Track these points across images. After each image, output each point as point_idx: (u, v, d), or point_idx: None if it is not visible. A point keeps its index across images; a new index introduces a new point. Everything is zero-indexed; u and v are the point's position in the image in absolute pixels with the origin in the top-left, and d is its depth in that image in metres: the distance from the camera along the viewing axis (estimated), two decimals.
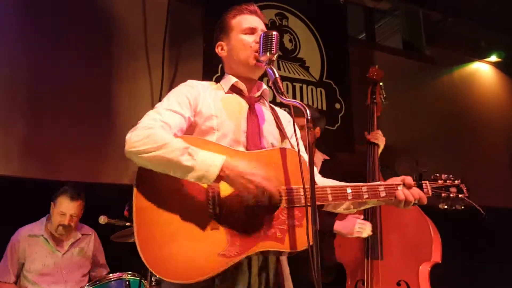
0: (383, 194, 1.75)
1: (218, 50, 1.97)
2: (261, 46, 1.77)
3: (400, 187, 1.76)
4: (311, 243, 1.50)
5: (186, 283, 1.55)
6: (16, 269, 3.23)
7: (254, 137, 1.79)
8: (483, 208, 1.99)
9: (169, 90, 4.18)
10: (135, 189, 1.62)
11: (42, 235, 3.29)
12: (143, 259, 1.55)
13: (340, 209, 1.89)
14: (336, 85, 4.88)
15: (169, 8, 4.29)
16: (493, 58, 6.28)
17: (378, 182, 1.80)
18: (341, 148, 4.59)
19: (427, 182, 1.83)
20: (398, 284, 2.96)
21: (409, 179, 1.78)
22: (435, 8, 5.86)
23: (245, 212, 1.61)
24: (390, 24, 6.20)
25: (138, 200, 1.60)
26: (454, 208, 1.86)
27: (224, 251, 1.56)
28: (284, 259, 1.83)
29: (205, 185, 1.63)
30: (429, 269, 2.96)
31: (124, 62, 4.10)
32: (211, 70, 4.06)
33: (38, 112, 3.74)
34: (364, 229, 2.92)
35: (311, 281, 1.45)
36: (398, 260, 3.00)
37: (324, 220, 2.97)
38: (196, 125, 1.79)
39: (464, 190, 1.86)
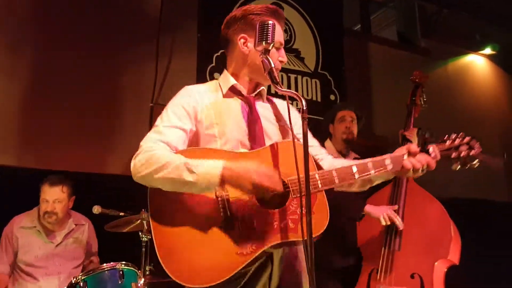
0: (390, 166, 1.75)
1: (239, 42, 1.87)
2: (257, 36, 1.75)
3: (405, 156, 1.76)
4: (305, 237, 1.51)
5: (212, 286, 1.59)
6: (11, 259, 3.22)
7: (256, 137, 1.80)
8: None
9: (164, 79, 4.21)
10: (150, 208, 1.68)
11: (35, 227, 3.27)
12: (168, 272, 1.61)
13: (354, 188, 1.91)
14: (331, 76, 4.87)
15: None
16: (488, 50, 6.29)
17: (384, 156, 1.79)
18: None
19: (434, 145, 1.82)
20: (412, 276, 3.00)
21: (413, 147, 1.77)
22: (430, 0, 5.86)
23: (255, 210, 1.65)
24: (385, 15, 6.19)
25: (154, 217, 1.67)
26: (468, 166, 1.85)
27: (242, 250, 1.61)
28: (302, 250, 1.83)
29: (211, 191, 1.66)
30: (446, 269, 2.99)
31: (119, 53, 4.07)
32: (206, 60, 4.04)
33: (36, 102, 3.72)
34: (387, 221, 3.01)
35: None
36: (415, 253, 3.04)
37: (353, 205, 3.09)
38: (200, 133, 1.81)
39: (476, 146, 1.84)
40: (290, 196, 1.66)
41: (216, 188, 1.61)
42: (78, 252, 3.38)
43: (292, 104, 1.89)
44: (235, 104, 1.87)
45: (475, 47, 6.30)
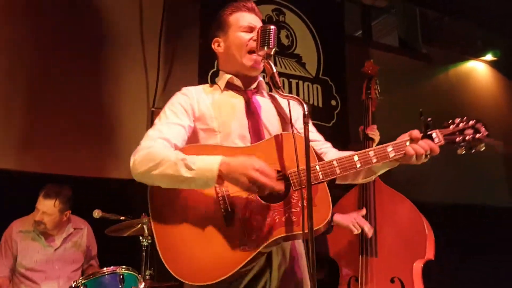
0: (392, 154, 1.70)
1: (214, 46, 1.96)
2: (259, 41, 1.76)
3: (408, 143, 1.72)
4: (305, 230, 1.50)
5: (215, 283, 1.59)
6: (11, 263, 3.21)
7: (256, 131, 1.80)
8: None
9: (165, 85, 4.22)
10: (150, 207, 1.68)
11: (34, 231, 3.27)
12: (170, 270, 1.61)
13: (359, 179, 1.88)
14: (332, 82, 4.88)
15: (165, 3, 4.27)
16: (489, 57, 6.30)
17: (387, 143, 1.74)
18: (336, 145, 4.57)
19: (436, 130, 1.76)
20: (392, 281, 2.97)
21: (415, 132, 1.73)
22: (432, 7, 5.87)
23: (256, 204, 1.64)
24: (387, 22, 6.20)
25: (154, 216, 1.68)
26: (474, 150, 1.79)
27: (244, 245, 1.60)
28: (302, 254, 1.84)
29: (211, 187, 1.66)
30: (422, 265, 2.97)
31: (121, 57, 4.09)
32: (207, 65, 4.05)
33: (37, 106, 3.73)
34: (358, 229, 2.91)
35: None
36: (392, 257, 3.00)
37: None
38: (199, 130, 1.82)
39: (482, 130, 1.78)
40: (291, 189, 1.65)
41: (215, 183, 1.59)
42: (77, 256, 3.37)
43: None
44: (234, 98, 1.89)
45: (476, 53, 6.30)
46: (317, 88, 4.77)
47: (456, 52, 6.18)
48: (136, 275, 2.91)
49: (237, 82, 1.91)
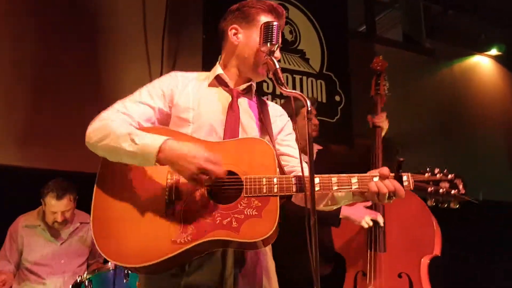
0: (355, 186, 1.61)
1: (230, 32, 1.87)
2: (262, 37, 1.74)
3: (375, 178, 1.60)
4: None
5: (136, 267, 1.55)
6: (16, 258, 3.23)
7: (231, 130, 1.75)
8: (481, 202, 1.89)
9: None
10: (97, 175, 1.67)
11: (40, 225, 3.29)
12: (95, 241, 1.58)
13: (321, 206, 1.79)
14: (336, 78, 4.86)
15: None
16: (494, 51, 6.27)
17: (353, 174, 1.64)
18: (340, 141, 4.58)
19: (408, 174, 1.63)
20: (400, 276, 2.97)
21: (384, 170, 1.61)
22: (436, 1, 5.84)
23: (202, 200, 1.59)
24: (391, 16, 6.18)
25: (99, 184, 1.66)
26: (446, 206, 1.65)
27: (176, 238, 1.54)
28: (267, 254, 1.80)
29: (165, 172, 1.62)
30: (429, 261, 2.97)
31: (124, 52, 4.08)
32: (211, 60, 4.03)
33: (39, 102, 3.74)
34: (369, 223, 2.91)
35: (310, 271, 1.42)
36: (400, 252, 3.00)
37: (330, 211, 2.96)
38: (172, 116, 1.79)
39: (460, 187, 1.63)
40: (242, 194, 1.59)
41: (154, 162, 1.54)
42: (82, 250, 3.39)
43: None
44: (218, 93, 1.84)
45: (481, 48, 6.27)
46: (321, 83, 4.76)
47: (461, 46, 6.15)
48: None
49: (227, 79, 1.86)
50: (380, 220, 2.97)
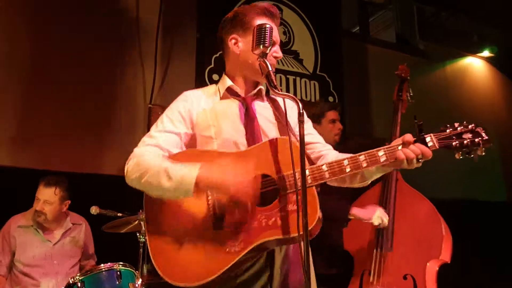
0: (383, 158, 1.66)
1: (230, 42, 1.90)
2: (255, 39, 1.76)
3: (400, 147, 1.66)
4: (301, 232, 1.50)
5: (202, 284, 1.62)
6: (8, 259, 3.22)
7: (253, 137, 1.80)
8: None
9: (162, 81, 4.22)
10: (145, 212, 1.75)
11: (32, 226, 3.27)
12: (159, 271, 1.67)
13: (355, 184, 1.86)
14: (329, 78, 4.88)
15: None
16: (486, 53, 6.32)
17: (379, 148, 1.69)
18: None
19: (431, 134, 1.68)
20: (405, 278, 2.98)
21: (408, 136, 1.66)
22: (429, 2, 5.88)
23: (244, 209, 1.65)
24: (384, 18, 6.20)
25: (148, 218, 1.75)
26: (473, 155, 1.70)
27: (229, 248, 1.62)
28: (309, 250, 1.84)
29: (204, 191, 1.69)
30: (437, 268, 2.96)
31: (118, 53, 4.08)
32: (205, 61, 4.05)
33: (32, 102, 3.72)
34: (383, 220, 2.93)
35: None
36: (407, 253, 3.01)
37: (337, 207, 2.97)
38: (197, 136, 1.84)
39: (482, 134, 1.68)
40: (280, 193, 1.65)
41: (192, 195, 1.63)
42: (74, 251, 3.38)
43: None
44: (232, 105, 1.88)
45: (473, 49, 6.32)
46: (314, 84, 4.78)
47: (453, 48, 6.19)
48: (133, 271, 2.92)
49: (237, 89, 1.91)
50: (385, 220, 2.97)
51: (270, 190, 1.68)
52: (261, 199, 1.68)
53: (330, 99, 4.82)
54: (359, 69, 5.40)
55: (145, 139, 1.81)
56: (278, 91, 1.67)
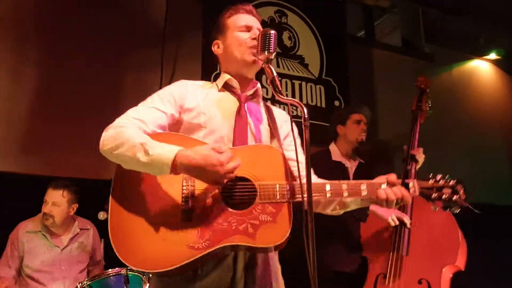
0: (364, 193, 1.70)
1: (214, 48, 2.01)
2: (260, 45, 1.79)
3: (383, 185, 1.71)
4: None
5: (158, 272, 1.59)
6: (17, 264, 3.24)
7: (241, 135, 1.81)
8: (480, 206, 1.94)
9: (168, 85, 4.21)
10: (112, 182, 1.68)
11: (40, 231, 3.30)
12: (113, 247, 1.61)
13: (328, 211, 1.88)
14: (335, 83, 4.89)
15: (168, 3, 4.29)
16: (493, 55, 6.28)
17: (362, 181, 1.74)
18: None
19: (414, 180, 1.76)
20: (420, 282, 2.98)
21: (392, 177, 1.72)
22: (434, 5, 5.86)
23: (217, 207, 1.64)
24: (389, 21, 6.20)
25: (115, 192, 1.67)
26: (448, 210, 1.77)
27: (193, 243, 1.58)
28: (275, 257, 1.84)
29: (180, 179, 1.66)
30: (452, 275, 2.97)
31: (124, 58, 4.10)
32: (211, 65, 4.07)
33: (40, 108, 3.74)
34: (396, 222, 3.00)
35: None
36: (423, 258, 3.03)
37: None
38: (183, 122, 1.83)
39: (460, 192, 1.75)
40: (256, 200, 1.64)
41: (169, 172, 1.58)
42: (82, 257, 3.40)
43: (296, 110, 1.89)
44: (228, 98, 1.91)
45: (480, 52, 6.28)
46: (320, 88, 4.78)
47: (459, 51, 6.17)
48: (141, 276, 2.93)
49: (235, 84, 1.93)
50: (407, 221, 3.05)
51: (246, 195, 1.66)
52: (235, 201, 1.67)
53: (336, 103, 4.82)
54: (365, 73, 5.39)
55: (130, 111, 1.79)
56: (283, 96, 1.69)
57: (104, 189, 3.69)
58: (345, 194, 1.70)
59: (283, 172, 1.65)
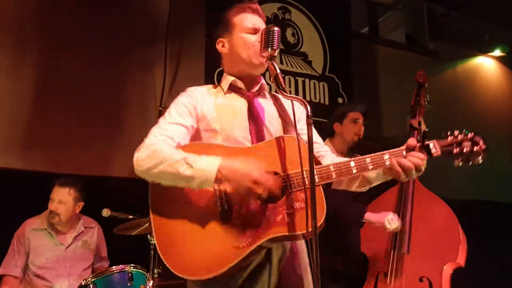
0: (388, 162, 1.71)
1: (218, 46, 1.98)
2: (263, 42, 1.79)
3: (404, 152, 1.72)
4: (309, 229, 1.53)
5: (207, 279, 1.62)
6: (23, 261, 3.25)
7: (258, 133, 1.83)
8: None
9: (172, 84, 4.23)
10: (150, 202, 1.73)
11: (46, 229, 3.31)
12: (165, 262, 1.65)
13: (353, 188, 1.90)
14: (338, 79, 4.88)
15: (172, 1, 4.28)
16: (497, 52, 6.26)
17: (383, 151, 1.74)
18: None
19: (434, 141, 1.75)
20: (421, 280, 2.99)
21: (412, 141, 1.74)
22: (439, 2, 5.84)
23: (252, 204, 1.67)
24: (393, 18, 6.18)
25: (154, 209, 1.73)
26: (471, 163, 1.77)
27: (238, 243, 1.63)
28: (305, 250, 1.87)
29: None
30: (452, 271, 2.98)
31: (127, 56, 4.11)
32: (214, 63, 4.06)
33: (43, 104, 3.75)
34: (393, 223, 2.97)
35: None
36: (423, 256, 3.04)
37: (353, 210, 3.04)
38: (201, 130, 1.86)
39: (480, 142, 1.77)
40: (288, 190, 1.67)
41: (212, 185, 1.64)
42: (86, 254, 3.41)
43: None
44: (236, 100, 1.91)
45: (484, 49, 6.26)
46: (323, 85, 4.78)
47: (464, 47, 6.14)
48: (145, 273, 2.95)
49: (240, 84, 1.94)
50: (395, 224, 3.00)
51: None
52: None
53: (339, 100, 4.82)
54: (369, 70, 5.38)
55: (155, 130, 1.81)
56: (286, 93, 1.70)
57: (108, 186, 3.74)
58: (370, 167, 1.71)
59: (306, 158, 1.64)
